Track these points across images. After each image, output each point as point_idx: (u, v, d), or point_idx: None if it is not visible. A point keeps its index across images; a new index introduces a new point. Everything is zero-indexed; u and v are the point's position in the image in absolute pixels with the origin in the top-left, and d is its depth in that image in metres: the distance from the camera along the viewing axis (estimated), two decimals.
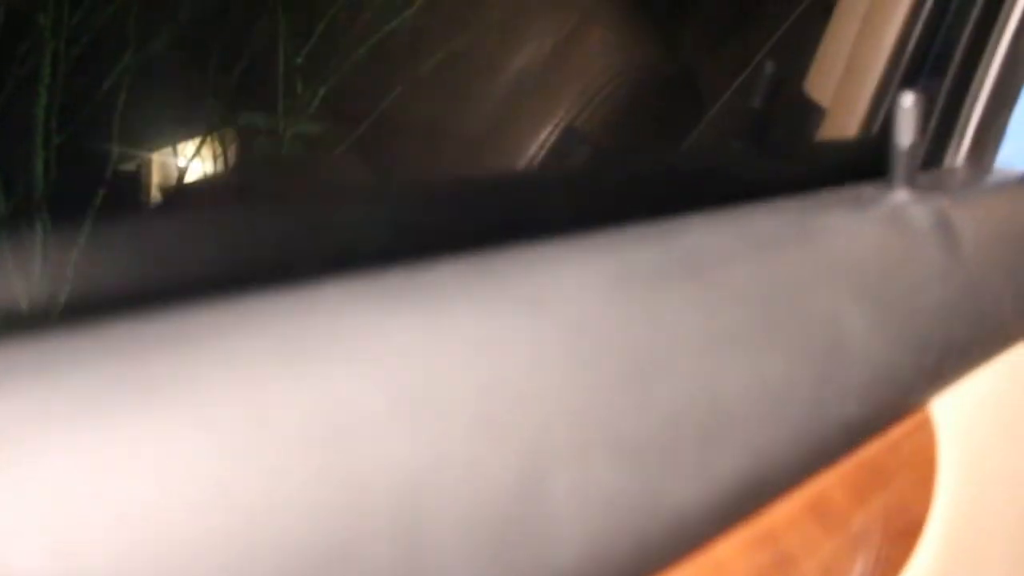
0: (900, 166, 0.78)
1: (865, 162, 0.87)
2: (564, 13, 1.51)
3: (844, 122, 1.08)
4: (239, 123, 5.00)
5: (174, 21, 3.52)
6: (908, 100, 0.76)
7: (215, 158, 3.81)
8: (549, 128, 1.37)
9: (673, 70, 1.39)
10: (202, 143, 3.94)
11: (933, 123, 1.00)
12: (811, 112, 1.08)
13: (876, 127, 1.05)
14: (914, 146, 0.76)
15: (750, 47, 1.39)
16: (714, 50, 1.52)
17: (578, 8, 1.51)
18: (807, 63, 1.18)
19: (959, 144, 1.01)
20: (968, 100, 1.00)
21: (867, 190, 0.80)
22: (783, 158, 0.90)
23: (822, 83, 1.15)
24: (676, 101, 1.39)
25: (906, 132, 0.76)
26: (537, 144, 1.39)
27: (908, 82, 1.03)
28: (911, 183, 0.78)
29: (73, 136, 3.51)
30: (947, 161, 1.01)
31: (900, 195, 0.78)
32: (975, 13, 1.00)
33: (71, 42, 3.25)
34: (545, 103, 1.41)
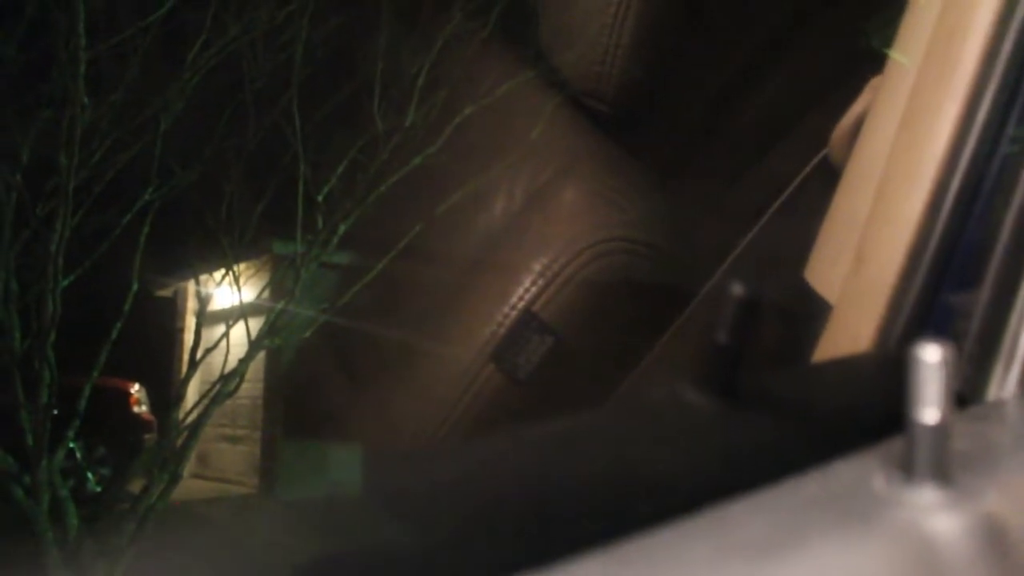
0: (923, 450, 0.49)
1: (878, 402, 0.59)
2: (537, 166, 1.27)
3: (854, 327, 0.80)
4: (265, 253, 4.81)
5: (200, 161, 3.39)
6: (933, 354, 0.48)
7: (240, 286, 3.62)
8: (505, 309, 1.10)
9: (652, 246, 1.12)
10: (227, 272, 3.77)
11: (971, 341, 0.71)
12: (809, 316, 0.80)
13: (895, 337, 0.76)
14: (943, 427, 0.48)
15: (743, 212, 1.12)
16: (704, 216, 1.25)
17: (552, 164, 1.26)
18: (807, 244, 0.91)
19: (1007, 367, 0.72)
20: (1017, 310, 0.71)
21: (878, 479, 0.51)
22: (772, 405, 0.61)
23: (825, 272, 0.87)
24: (650, 289, 1.11)
25: (931, 404, 0.48)
26: (493, 325, 1.11)
27: (934, 283, 0.75)
28: (940, 474, 0.49)
29: (99, 265, 3.34)
30: (992, 392, 0.71)
31: (925, 495, 0.49)
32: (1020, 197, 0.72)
33: (94, 179, 3.11)
34: (503, 278, 1.13)
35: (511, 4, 3.23)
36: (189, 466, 8.23)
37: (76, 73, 3.04)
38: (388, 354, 1.50)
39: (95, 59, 3.14)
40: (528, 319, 1.09)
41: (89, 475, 7.47)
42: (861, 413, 0.63)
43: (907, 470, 0.50)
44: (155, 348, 8.96)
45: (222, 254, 3.89)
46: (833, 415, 0.62)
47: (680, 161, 1.42)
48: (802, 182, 1.01)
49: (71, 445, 4.46)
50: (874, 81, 0.89)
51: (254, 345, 3.72)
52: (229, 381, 3.73)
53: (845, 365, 0.75)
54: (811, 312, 0.85)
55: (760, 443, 0.55)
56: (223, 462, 9.36)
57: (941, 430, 0.48)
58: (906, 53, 0.83)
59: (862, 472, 0.53)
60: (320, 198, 3.61)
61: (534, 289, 1.10)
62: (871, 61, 0.91)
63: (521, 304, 1.10)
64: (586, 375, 1.14)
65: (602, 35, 1.44)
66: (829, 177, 0.92)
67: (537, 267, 1.10)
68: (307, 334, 3.75)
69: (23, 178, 3.26)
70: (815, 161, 0.99)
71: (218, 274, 4.17)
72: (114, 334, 3.62)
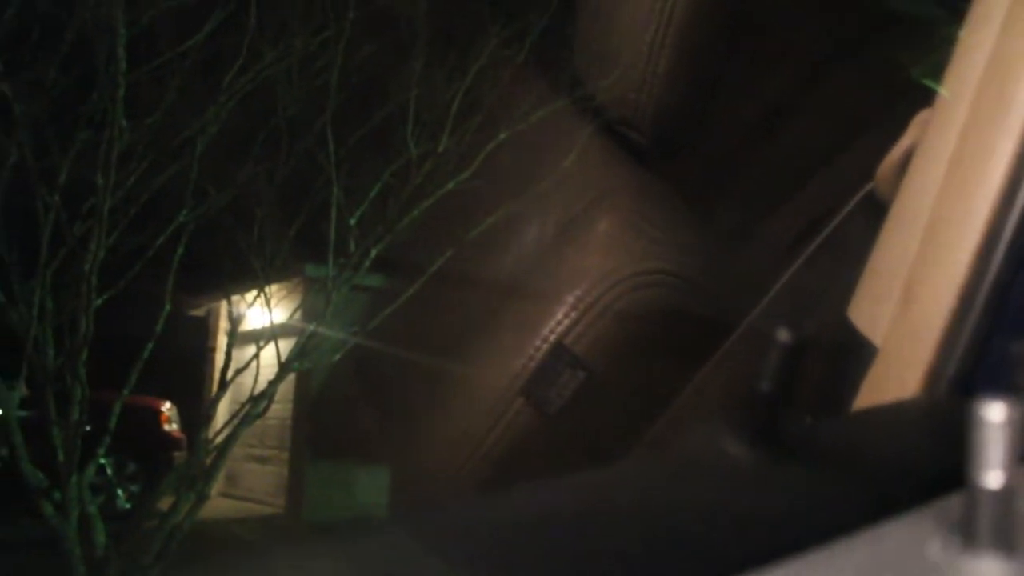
0: (985, 516, 0.45)
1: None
2: (571, 196, 1.24)
3: (901, 371, 0.76)
4: (297, 275, 4.82)
5: (233, 184, 3.41)
6: (997, 412, 0.44)
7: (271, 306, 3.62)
8: (536, 341, 1.07)
9: (687, 279, 1.08)
10: (258, 294, 3.77)
11: None
12: (853, 358, 0.76)
13: (945, 383, 0.72)
14: (1007, 491, 0.44)
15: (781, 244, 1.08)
16: (741, 249, 1.22)
17: (586, 194, 1.23)
18: (851, 281, 0.87)
19: None
20: None
21: (934, 545, 0.47)
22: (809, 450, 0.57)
23: (871, 311, 0.83)
24: (686, 323, 1.07)
25: (994, 466, 0.44)
26: (524, 358, 1.08)
27: (987, 327, 0.71)
28: (1003, 541, 0.45)
29: (133, 285, 3.34)
30: None
31: (987, 564, 0.45)
32: None
33: (130, 200, 3.13)
34: (535, 309, 1.10)
35: (547, 31, 3.23)
36: (217, 485, 8.24)
37: (115, 96, 3.07)
38: (417, 382, 1.47)
39: (134, 83, 3.17)
40: (560, 352, 1.06)
41: (119, 492, 7.50)
42: (911, 466, 0.59)
43: (967, 536, 0.46)
44: (187, 367, 9.01)
45: (254, 275, 3.90)
46: (881, 468, 0.58)
47: (717, 191, 1.39)
48: (846, 217, 0.97)
49: (102, 461, 4.49)
50: (922, 115, 0.86)
51: (284, 367, 3.72)
52: (258, 403, 3.73)
53: (892, 412, 0.71)
54: (855, 353, 0.81)
55: (804, 499, 0.52)
56: (251, 482, 9.37)
57: (1005, 494, 0.45)
58: (957, 88, 0.80)
59: (916, 535, 0.49)
60: (352, 222, 3.61)
61: (566, 321, 1.07)
62: (918, 94, 0.88)
63: (553, 337, 1.07)
64: (619, 411, 1.11)
65: (638, 62, 1.41)
66: (875, 211, 0.89)
67: (570, 299, 1.07)
68: (336, 358, 3.75)
69: (61, 198, 3.29)
70: (860, 195, 0.95)
71: (250, 295, 4.19)
72: (145, 353, 3.63)
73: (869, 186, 0.91)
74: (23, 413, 3.37)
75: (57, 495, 3.36)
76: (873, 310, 0.83)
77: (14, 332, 3.33)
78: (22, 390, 3.42)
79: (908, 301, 0.77)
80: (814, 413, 0.77)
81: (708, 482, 0.52)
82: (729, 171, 1.44)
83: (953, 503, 0.52)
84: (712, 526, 0.48)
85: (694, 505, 0.50)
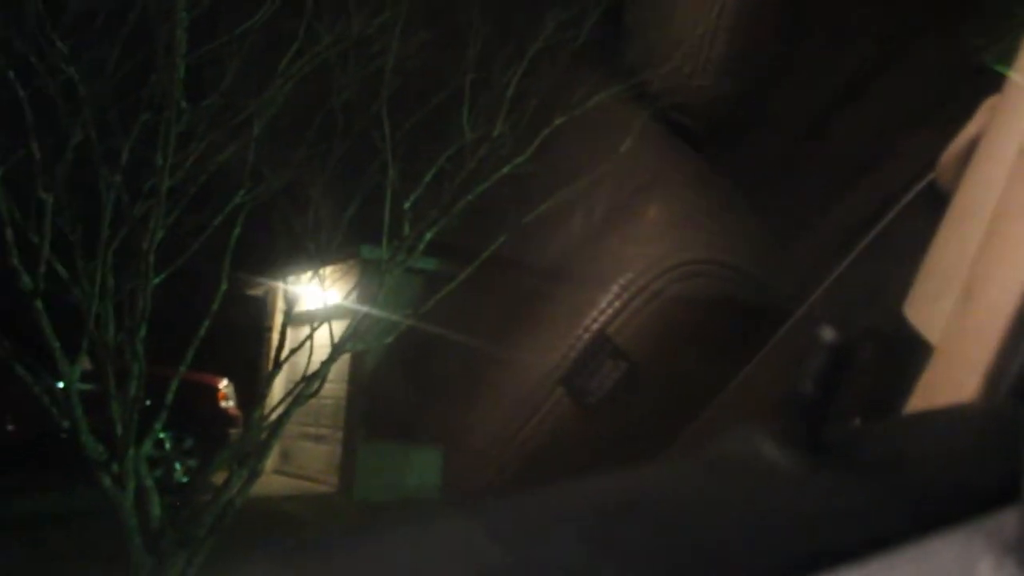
0: None
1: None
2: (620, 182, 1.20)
3: (958, 372, 0.71)
4: (352, 257, 4.84)
5: (289, 166, 3.42)
6: None
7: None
8: (578, 331, 1.03)
9: (736, 269, 1.04)
10: (313, 275, 3.79)
11: None
12: (907, 357, 0.71)
13: (1006, 387, 0.68)
14: None
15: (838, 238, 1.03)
16: (795, 241, 1.17)
17: (634, 180, 1.19)
18: (907, 276, 0.82)
19: None
20: None
21: (985, 563, 0.44)
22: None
23: (928, 308, 0.78)
24: (733, 315, 1.03)
25: None
26: (565, 347, 1.05)
27: None
28: None
29: (192, 264, 3.39)
30: None
31: None
32: None
33: (189, 181, 3.17)
34: (577, 298, 1.07)
35: (605, 14, 3.17)
36: (271, 462, 8.36)
37: (175, 78, 3.10)
38: (463, 366, 1.46)
39: (193, 65, 3.19)
40: (602, 342, 1.03)
41: (177, 465, 7.66)
42: (965, 476, 0.55)
43: (1021, 554, 0.43)
44: (245, 346, 9.15)
45: (309, 257, 3.93)
46: (931, 477, 0.54)
47: (774, 182, 1.34)
48: (905, 208, 0.93)
49: (160, 435, 4.56)
50: (989, 102, 0.80)
51: (336, 348, 3.73)
52: (311, 382, 3.76)
53: (946, 417, 0.66)
54: (909, 352, 0.76)
55: (846, 510, 0.48)
56: (305, 460, 9.49)
57: None
58: None
59: (966, 552, 0.45)
60: (407, 205, 3.61)
61: (610, 311, 1.04)
62: (986, 80, 0.83)
63: (595, 326, 1.04)
64: (660, 405, 1.08)
65: (696, 48, 1.37)
66: (935, 204, 0.84)
67: (614, 288, 1.04)
68: (389, 340, 3.76)
69: (122, 178, 3.34)
70: (920, 186, 0.90)
71: (306, 276, 4.22)
72: (202, 331, 3.67)
73: (930, 176, 0.86)
74: (84, 387, 3.44)
75: (115, 467, 3.43)
76: (930, 307, 0.78)
77: (77, 308, 3.40)
78: (84, 364, 3.48)
79: (968, 298, 0.73)
80: (862, 415, 0.73)
81: (741, 486, 0.49)
82: (786, 161, 1.39)
83: (1008, 518, 0.48)
84: (742, 534, 0.45)
85: (725, 510, 0.47)
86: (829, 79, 1.35)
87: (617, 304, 1.03)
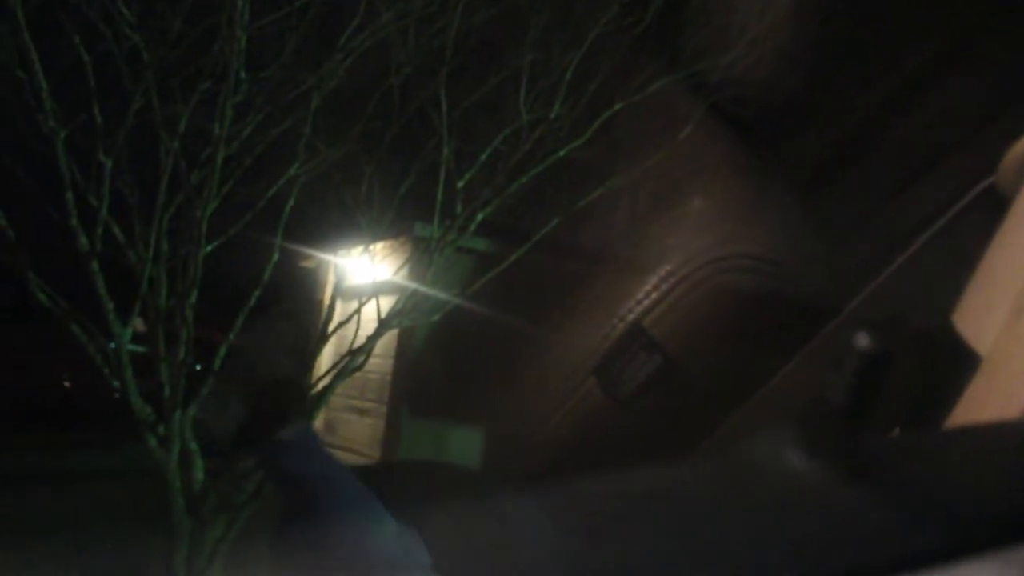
0: None
1: None
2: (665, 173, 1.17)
3: (1006, 387, 0.67)
4: (403, 234, 4.84)
5: (345, 140, 3.42)
6: None
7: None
8: (613, 320, 1.01)
9: (780, 265, 1.00)
10: (364, 250, 3.81)
11: None
12: (953, 368, 0.68)
13: None
14: None
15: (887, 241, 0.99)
16: (845, 239, 1.12)
17: (682, 169, 1.16)
18: (959, 284, 0.78)
19: None
20: None
21: None
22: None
23: (978, 319, 0.74)
24: (775, 313, 0.99)
25: None
26: (599, 337, 1.03)
27: None
28: None
29: (246, 234, 3.41)
30: None
31: None
32: None
33: (245, 151, 3.19)
34: (615, 287, 1.04)
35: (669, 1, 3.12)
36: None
37: (235, 49, 3.11)
38: (503, 348, 1.44)
39: (254, 36, 3.21)
40: (636, 334, 1.00)
41: None
42: (1005, 499, 0.52)
43: None
44: (297, 317, 9.25)
45: (361, 232, 3.94)
46: (969, 498, 0.51)
47: (825, 178, 1.29)
48: (961, 211, 0.88)
49: None
50: None
51: (383, 324, 3.74)
52: (357, 356, 3.78)
53: (991, 433, 0.62)
54: (956, 363, 0.72)
55: (875, 527, 0.45)
56: (349, 432, 9.59)
57: None
58: None
59: None
60: (460, 185, 3.60)
61: (647, 302, 1.01)
62: None
63: (631, 317, 1.01)
64: (693, 402, 1.05)
65: (755, 39, 1.33)
66: (993, 208, 0.80)
67: (653, 278, 1.01)
68: (435, 318, 3.76)
69: (181, 145, 3.37)
70: (978, 189, 0.86)
71: (356, 251, 4.24)
72: (253, 300, 3.71)
73: (990, 179, 0.81)
74: (135, 349, 3.50)
75: (161, 429, 3.49)
76: (981, 317, 0.74)
77: (131, 271, 3.46)
78: (135, 327, 3.54)
79: (1022, 311, 0.69)
80: (903, 425, 0.69)
81: (764, 496, 0.47)
82: (841, 159, 1.35)
83: None
84: (761, 545, 0.43)
85: (746, 520, 0.44)
86: (889, 76, 1.30)
87: (655, 295, 1.01)
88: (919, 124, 1.24)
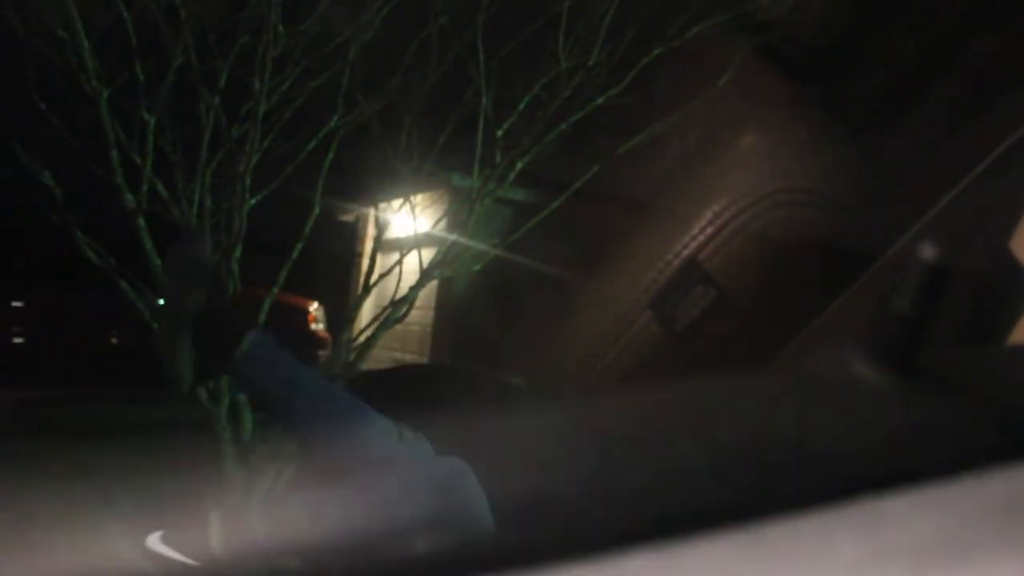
0: None
1: None
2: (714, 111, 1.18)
3: None
4: (442, 185, 4.86)
5: (384, 92, 3.44)
6: None
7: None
8: (668, 256, 1.03)
9: (833, 200, 1.02)
10: (404, 202, 3.84)
11: None
12: (1011, 292, 0.69)
13: None
14: None
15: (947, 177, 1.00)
16: (899, 178, 1.13)
17: (732, 109, 1.17)
18: (1016, 212, 0.79)
19: None
20: None
21: None
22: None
23: None
24: (827, 247, 1.01)
25: None
26: (654, 272, 1.05)
27: None
28: None
29: (286, 188, 3.46)
30: None
31: None
32: None
33: (285, 104, 3.22)
34: (669, 224, 1.07)
35: None
36: None
37: (272, 2, 3.13)
38: (552, 292, 1.47)
39: None
40: (691, 269, 1.02)
41: None
42: None
43: None
44: (336, 270, 9.36)
45: (401, 183, 3.97)
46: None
47: (879, 117, 1.29)
48: (1016, 144, 0.89)
49: None
50: None
51: (425, 274, 3.78)
52: (399, 307, 3.83)
53: None
54: (1014, 286, 0.74)
55: (935, 430, 0.48)
56: None
57: None
58: None
59: None
60: (499, 134, 3.60)
61: (701, 237, 1.03)
62: None
63: (685, 252, 1.04)
64: (747, 334, 1.07)
65: None
66: None
67: (707, 215, 1.03)
68: (477, 267, 3.79)
69: (221, 101, 3.41)
70: None
71: (396, 203, 4.27)
72: (295, 254, 3.76)
73: None
74: None
75: (211, 383, 3.57)
76: None
77: (175, 228, 3.52)
78: None
79: None
80: (963, 343, 0.71)
81: (830, 402, 0.49)
82: (895, 96, 1.34)
83: None
84: (827, 443, 0.45)
85: (812, 422, 0.47)
86: (943, 13, 1.29)
87: (709, 230, 1.03)
88: (975, 60, 1.24)
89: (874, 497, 0.41)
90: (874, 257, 0.99)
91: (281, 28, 3.25)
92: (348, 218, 9.61)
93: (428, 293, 5.90)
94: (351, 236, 9.80)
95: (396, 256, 3.99)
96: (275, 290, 3.77)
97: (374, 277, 3.93)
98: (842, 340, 0.55)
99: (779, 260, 1.07)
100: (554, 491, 0.41)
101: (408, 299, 3.79)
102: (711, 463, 0.43)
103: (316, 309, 8.60)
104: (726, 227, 1.03)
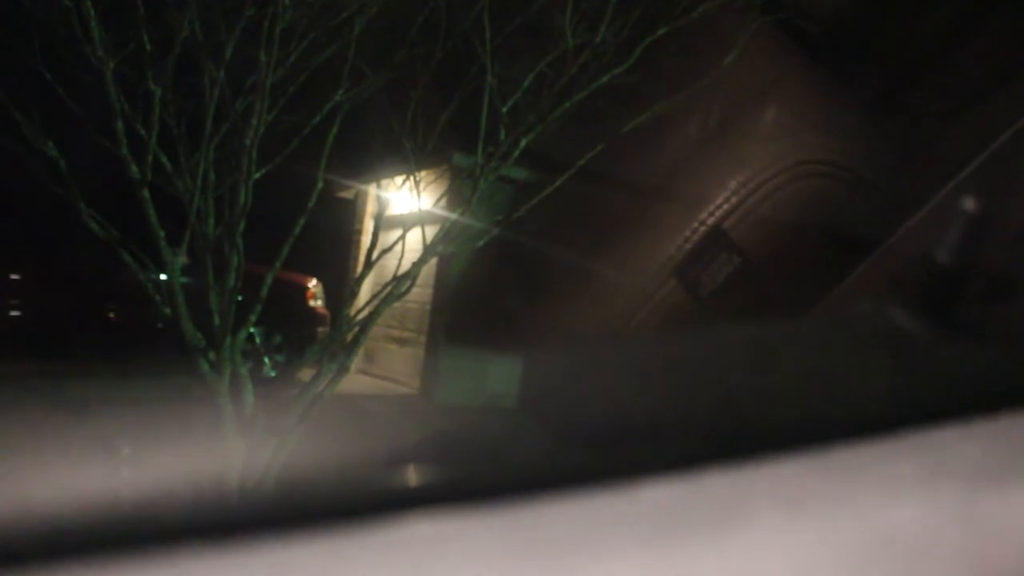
0: None
1: None
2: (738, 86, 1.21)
3: None
4: (446, 162, 4.87)
5: (389, 66, 3.45)
6: None
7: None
8: (694, 224, 1.07)
9: (854, 172, 1.06)
10: (407, 178, 3.87)
11: None
12: None
13: None
14: None
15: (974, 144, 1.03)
16: (916, 153, 1.17)
17: (754, 84, 1.21)
18: None
19: None
20: None
21: None
22: None
23: None
24: (849, 217, 1.05)
25: None
26: (680, 240, 1.09)
27: None
28: None
29: (289, 163, 3.49)
30: None
31: None
32: None
33: (290, 78, 3.23)
34: (695, 193, 1.10)
35: None
36: (356, 361, 8.63)
37: None
38: (569, 266, 1.50)
39: None
40: (716, 236, 1.06)
41: (266, 360, 7.97)
42: None
43: None
44: (334, 248, 9.38)
45: (404, 160, 3.99)
46: None
47: (895, 94, 1.33)
48: None
49: (251, 330, 4.77)
50: None
51: (427, 250, 3.81)
52: (401, 283, 3.86)
53: None
54: None
55: (976, 373, 0.52)
56: (389, 361, 9.77)
57: None
58: None
59: None
60: (504, 110, 3.62)
61: (726, 206, 1.07)
62: None
63: (711, 220, 1.07)
64: (771, 300, 1.10)
65: None
66: None
67: (732, 184, 1.06)
68: (479, 244, 3.82)
69: (226, 74, 3.42)
70: None
71: (398, 179, 4.29)
72: (298, 229, 3.79)
73: None
74: (184, 280, 3.60)
75: (212, 355, 3.60)
76: None
77: (179, 201, 3.54)
78: (184, 257, 3.63)
79: None
80: (1002, 296, 0.75)
81: (871, 346, 0.53)
82: (911, 74, 1.38)
83: None
84: (871, 382, 0.49)
85: (854, 362, 0.51)
86: None
87: (734, 200, 1.06)
88: (989, 43, 1.27)
89: (927, 428, 0.44)
90: (895, 227, 1.03)
91: (287, 0, 3.27)
92: (346, 195, 9.62)
93: (427, 271, 5.93)
94: (349, 214, 9.82)
95: (395, 234, 4.01)
96: (277, 265, 3.79)
97: (375, 253, 3.95)
98: (879, 294, 0.58)
99: (801, 229, 1.10)
100: (635, 413, 0.44)
101: (411, 275, 3.82)
102: (777, 391, 0.47)
103: (315, 286, 8.63)
104: (751, 196, 1.06)
